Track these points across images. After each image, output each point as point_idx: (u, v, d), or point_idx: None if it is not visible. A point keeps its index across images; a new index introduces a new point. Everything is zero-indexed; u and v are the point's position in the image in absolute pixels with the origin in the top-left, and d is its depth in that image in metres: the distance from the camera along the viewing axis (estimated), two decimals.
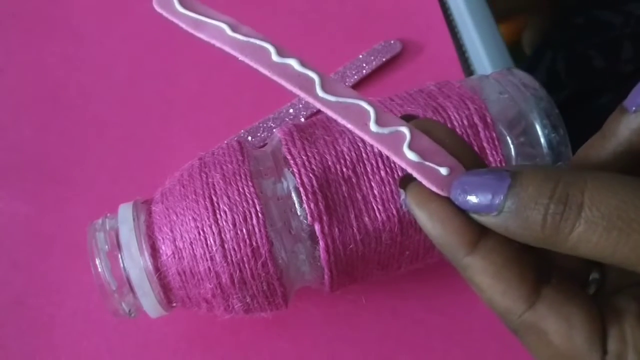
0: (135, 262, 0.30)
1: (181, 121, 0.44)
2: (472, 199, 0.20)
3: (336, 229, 0.30)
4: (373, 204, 0.30)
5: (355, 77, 0.45)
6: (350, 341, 0.38)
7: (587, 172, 0.19)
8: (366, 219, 0.30)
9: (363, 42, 0.46)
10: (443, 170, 0.21)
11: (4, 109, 0.44)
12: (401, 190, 0.25)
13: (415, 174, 0.21)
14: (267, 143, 0.35)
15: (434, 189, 0.20)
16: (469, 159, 0.22)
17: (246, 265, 0.29)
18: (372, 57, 0.46)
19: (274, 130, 0.37)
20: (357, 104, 0.22)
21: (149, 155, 0.43)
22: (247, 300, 0.31)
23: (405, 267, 0.34)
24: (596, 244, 0.18)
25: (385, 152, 0.21)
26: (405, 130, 0.21)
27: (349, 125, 0.21)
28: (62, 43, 0.47)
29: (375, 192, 0.30)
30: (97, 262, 0.30)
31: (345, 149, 0.31)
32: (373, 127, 0.21)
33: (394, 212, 0.30)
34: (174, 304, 0.32)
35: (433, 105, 0.32)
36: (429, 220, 0.21)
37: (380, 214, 0.30)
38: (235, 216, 0.29)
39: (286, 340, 0.38)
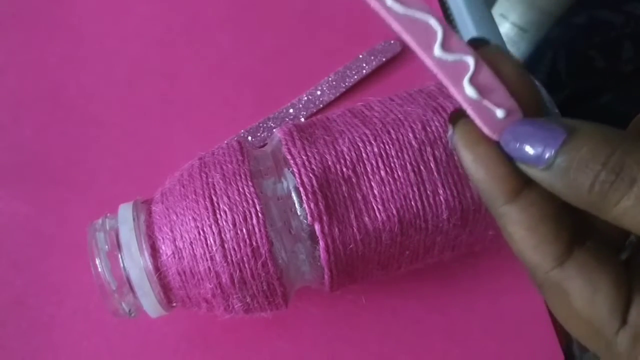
0: (135, 262, 0.30)
1: (181, 121, 0.44)
2: (523, 147, 0.19)
3: (336, 229, 0.30)
4: (373, 204, 0.30)
5: (355, 77, 0.45)
6: (350, 341, 0.38)
7: None
8: (366, 218, 0.30)
9: (363, 42, 0.46)
10: (499, 113, 0.20)
11: (4, 109, 0.44)
12: (449, 126, 0.23)
13: (469, 112, 0.20)
14: (267, 143, 0.35)
15: (485, 130, 0.19)
16: (531, 105, 0.21)
17: (246, 265, 0.29)
18: (372, 57, 0.45)
19: (274, 130, 0.37)
20: (426, 21, 0.20)
21: (149, 155, 0.43)
22: (247, 300, 0.31)
23: (405, 267, 0.34)
24: (637, 220, 0.18)
25: (443, 81, 0.20)
26: (470, 60, 0.20)
27: (412, 45, 0.20)
28: (62, 43, 0.47)
29: (375, 192, 0.30)
30: (97, 262, 0.30)
31: (345, 149, 0.30)
32: (437, 51, 0.20)
33: (394, 212, 0.30)
34: (174, 304, 0.32)
35: (433, 105, 0.32)
36: (473, 163, 0.20)
37: (380, 214, 0.30)
38: (235, 216, 0.29)
39: (286, 340, 0.38)
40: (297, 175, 0.30)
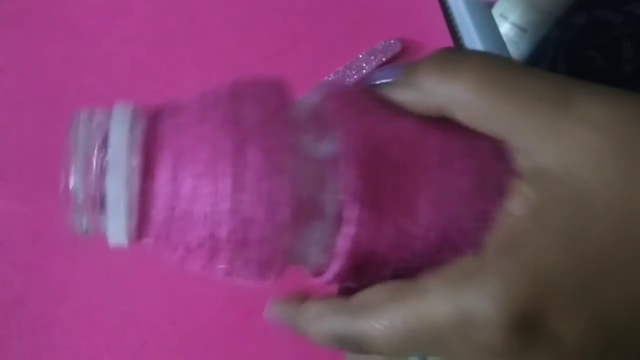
0: (119, 175, 0.24)
1: None
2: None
3: (369, 220, 0.24)
4: (423, 208, 0.24)
5: (355, 77, 0.45)
6: None
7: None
8: (408, 221, 0.24)
9: (363, 41, 0.46)
10: None
11: (3, 108, 0.44)
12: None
13: None
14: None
15: None
16: None
17: (254, 226, 0.24)
18: (372, 57, 0.45)
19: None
20: None
21: None
22: (236, 264, 0.26)
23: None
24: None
25: None
26: None
27: None
28: (62, 43, 0.47)
29: (432, 193, 0.24)
30: (74, 160, 0.25)
31: (408, 128, 0.25)
32: None
33: (446, 221, 0.24)
34: (144, 239, 0.26)
35: None
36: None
37: (426, 220, 0.24)
38: (261, 166, 0.24)
39: (286, 340, 0.38)
40: (342, 141, 0.24)
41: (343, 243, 0.24)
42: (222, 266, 0.26)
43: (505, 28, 0.64)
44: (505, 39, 0.53)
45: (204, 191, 0.24)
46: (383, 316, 0.23)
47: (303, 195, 0.24)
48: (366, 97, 0.26)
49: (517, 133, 0.21)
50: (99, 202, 0.25)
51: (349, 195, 0.24)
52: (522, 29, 0.65)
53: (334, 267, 0.26)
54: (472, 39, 0.47)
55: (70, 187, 0.25)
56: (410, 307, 0.22)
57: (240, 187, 0.24)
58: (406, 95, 0.24)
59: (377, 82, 0.26)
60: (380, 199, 0.24)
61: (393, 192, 0.24)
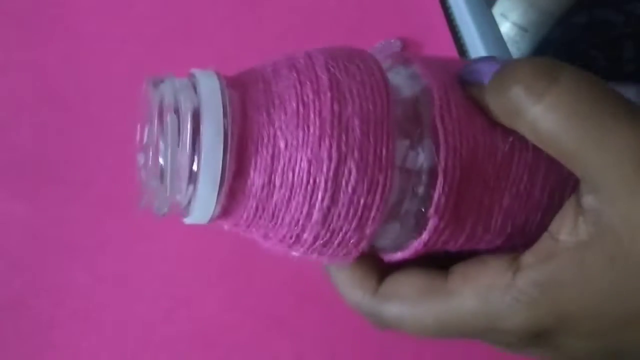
0: (210, 170, 0.22)
1: None
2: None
3: (445, 230, 0.24)
4: (497, 217, 0.24)
5: None
6: (350, 341, 0.38)
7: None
8: (481, 228, 0.24)
9: (363, 41, 0.46)
10: None
11: (3, 108, 0.44)
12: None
13: None
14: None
15: None
16: None
17: (340, 235, 0.24)
18: None
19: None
20: None
21: None
22: (313, 255, 0.26)
23: None
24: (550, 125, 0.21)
25: None
26: None
27: None
28: (62, 43, 0.47)
29: (508, 204, 0.24)
30: (153, 129, 0.24)
31: (501, 145, 0.24)
32: None
33: (514, 229, 0.25)
34: (226, 218, 0.25)
35: None
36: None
37: (497, 227, 0.25)
38: (360, 180, 0.23)
39: (286, 340, 0.38)
40: (442, 158, 0.23)
41: (416, 244, 0.25)
42: (299, 253, 0.26)
43: (506, 27, 0.64)
44: (506, 38, 0.53)
45: (297, 201, 0.23)
46: (414, 308, 0.25)
47: (389, 203, 0.24)
48: (462, 97, 0.25)
49: (595, 174, 0.21)
50: (187, 175, 0.23)
51: (434, 208, 0.23)
52: (523, 29, 0.65)
53: (402, 256, 0.26)
54: (473, 39, 0.47)
55: (151, 158, 0.24)
56: (441, 304, 0.24)
57: (335, 200, 0.23)
58: (496, 104, 0.23)
59: (470, 76, 0.24)
60: (462, 210, 0.24)
61: (475, 204, 0.24)
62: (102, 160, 0.43)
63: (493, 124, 0.24)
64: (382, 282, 0.26)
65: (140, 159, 0.25)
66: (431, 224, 0.24)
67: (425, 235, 0.24)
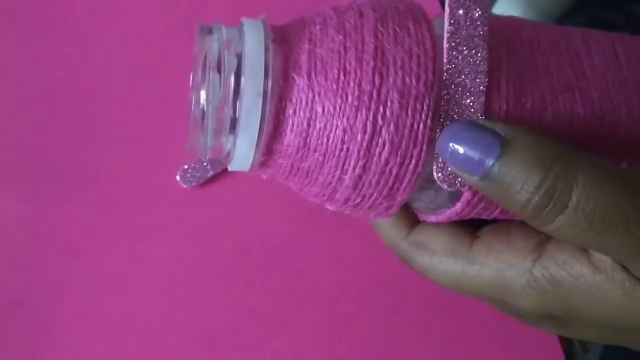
0: (252, 93, 0.23)
1: (181, 121, 0.44)
2: (458, 152, 0.21)
3: (484, 211, 0.25)
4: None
5: None
6: (350, 341, 0.38)
7: (582, 161, 0.20)
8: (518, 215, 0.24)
9: None
10: None
11: (2, 108, 0.44)
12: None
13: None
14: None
15: None
16: None
17: (371, 200, 0.25)
18: None
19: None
20: None
21: (149, 155, 0.43)
22: (346, 212, 0.27)
23: None
24: (571, 237, 0.20)
25: None
26: None
27: None
28: (62, 43, 0.47)
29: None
30: (203, 76, 0.24)
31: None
32: None
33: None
34: (268, 164, 0.26)
35: None
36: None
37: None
38: (393, 154, 0.23)
39: (286, 340, 0.38)
40: None
41: (449, 213, 0.25)
42: (332, 208, 0.26)
43: None
44: None
45: (330, 164, 0.24)
46: (438, 263, 0.26)
47: (425, 173, 0.24)
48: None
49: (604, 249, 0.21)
50: (229, 122, 0.23)
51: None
52: None
53: (435, 219, 0.27)
54: None
55: (199, 103, 0.24)
56: (462, 267, 0.25)
57: (366, 170, 0.23)
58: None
59: (455, 161, 0.23)
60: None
61: None
62: (102, 160, 0.43)
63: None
64: (415, 228, 0.27)
65: (191, 102, 0.26)
66: (464, 197, 0.24)
67: (458, 207, 0.25)
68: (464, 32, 0.24)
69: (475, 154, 0.21)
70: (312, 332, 0.38)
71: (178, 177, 0.40)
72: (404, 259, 0.28)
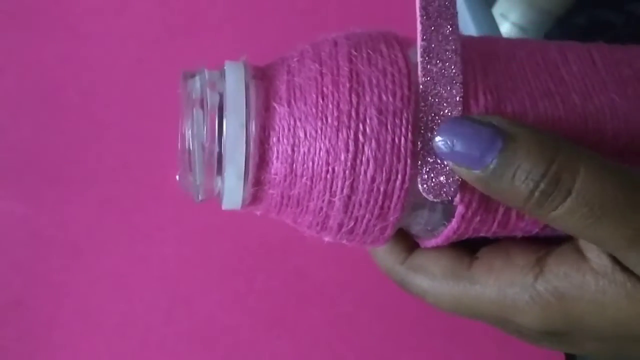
0: (236, 133, 0.23)
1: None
2: (457, 148, 0.21)
3: (482, 226, 0.25)
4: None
5: None
6: (350, 341, 0.38)
7: (581, 152, 0.21)
8: (518, 229, 0.25)
9: None
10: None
11: (2, 108, 0.44)
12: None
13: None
14: None
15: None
16: None
17: (363, 222, 0.25)
18: None
19: None
20: None
21: (149, 155, 0.43)
22: (343, 241, 0.27)
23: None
24: (571, 224, 0.20)
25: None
26: None
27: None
28: (62, 42, 0.47)
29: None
30: (188, 118, 0.25)
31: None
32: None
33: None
34: (259, 201, 0.26)
35: None
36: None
37: (540, 229, 0.25)
38: (378, 170, 0.23)
39: (286, 340, 0.38)
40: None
41: (447, 232, 0.25)
42: (329, 238, 0.26)
43: (505, 27, 0.64)
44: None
45: (318, 189, 0.24)
46: (437, 286, 0.26)
47: (414, 191, 0.24)
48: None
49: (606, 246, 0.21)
50: (216, 161, 0.24)
51: (460, 196, 0.24)
52: (522, 29, 0.65)
53: (435, 242, 0.26)
54: None
55: (186, 146, 0.25)
56: (462, 288, 0.25)
57: (354, 190, 0.24)
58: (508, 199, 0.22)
59: (455, 158, 0.22)
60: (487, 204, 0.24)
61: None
62: (102, 160, 0.43)
63: None
64: (413, 253, 0.27)
65: (179, 149, 0.26)
66: (458, 211, 0.24)
67: (454, 223, 0.24)
68: (435, 46, 0.24)
69: (475, 148, 0.21)
70: (312, 332, 0.38)
71: (178, 177, 0.40)
72: (401, 284, 0.27)
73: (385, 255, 0.27)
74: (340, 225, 0.25)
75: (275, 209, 0.26)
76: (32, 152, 0.43)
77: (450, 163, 0.22)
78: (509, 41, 0.27)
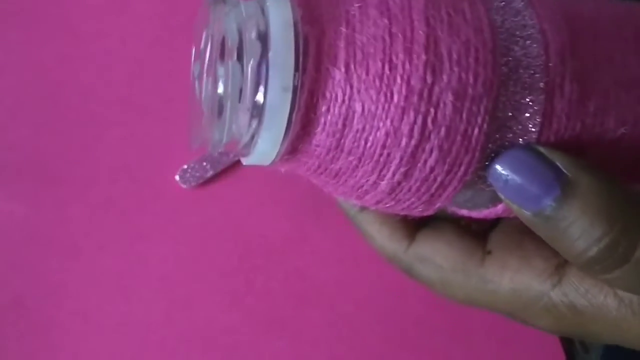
0: (273, 128, 0.19)
1: (181, 121, 0.44)
2: (515, 183, 0.19)
3: None
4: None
5: None
6: (350, 342, 0.38)
7: None
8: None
9: None
10: None
11: (2, 108, 0.44)
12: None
13: None
14: None
15: None
16: None
17: (406, 204, 0.22)
18: None
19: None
20: None
21: (148, 155, 0.43)
22: (370, 207, 0.23)
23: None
24: (619, 286, 0.20)
25: None
26: None
27: None
28: (61, 42, 0.47)
29: None
30: (212, 56, 0.21)
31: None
32: None
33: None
34: (293, 158, 0.22)
35: None
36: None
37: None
38: (440, 162, 0.20)
39: (286, 340, 0.38)
40: None
41: (487, 212, 0.23)
42: (373, 204, 0.23)
43: None
44: None
45: (366, 168, 0.20)
46: (447, 279, 0.25)
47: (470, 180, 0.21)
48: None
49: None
50: (252, 109, 0.19)
51: None
52: None
53: (468, 214, 0.24)
54: None
55: (212, 90, 0.21)
56: (474, 284, 0.24)
57: (406, 176, 0.20)
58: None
59: (509, 194, 0.20)
60: None
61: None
62: (102, 160, 0.43)
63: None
64: (416, 239, 0.25)
65: (195, 87, 0.22)
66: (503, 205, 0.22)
67: (500, 208, 0.22)
68: (509, 22, 0.20)
69: (532, 189, 0.19)
70: (312, 332, 0.38)
71: (177, 177, 0.40)
72: (405, 270, 0.26)
73: (385, 241, 0.25)
74: (378, 202, 0.22)
75: (306, 173, 0.22)
76: (32, 152, 0.43)
77: (503, 196, 0.20)
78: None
